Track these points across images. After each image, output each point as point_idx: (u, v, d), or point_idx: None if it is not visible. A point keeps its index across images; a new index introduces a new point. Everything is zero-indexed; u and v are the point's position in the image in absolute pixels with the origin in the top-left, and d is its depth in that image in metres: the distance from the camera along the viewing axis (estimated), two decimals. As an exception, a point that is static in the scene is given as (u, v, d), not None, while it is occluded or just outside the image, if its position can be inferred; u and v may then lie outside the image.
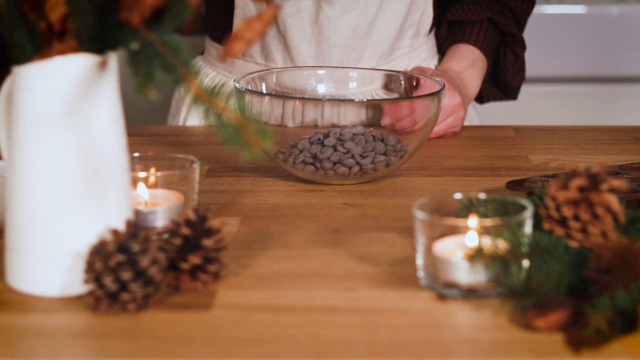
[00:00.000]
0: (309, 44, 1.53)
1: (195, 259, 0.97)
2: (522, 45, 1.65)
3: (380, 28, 1.54)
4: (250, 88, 1.34)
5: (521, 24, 1.67)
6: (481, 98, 1.71)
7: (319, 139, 1.28)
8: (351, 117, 1.30)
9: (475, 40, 1.60)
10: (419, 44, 1.60)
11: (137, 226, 0.94)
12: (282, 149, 1.28)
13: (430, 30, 1.61)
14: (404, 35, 1.57)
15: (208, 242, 0.97)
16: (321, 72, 1.42)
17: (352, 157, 1.27)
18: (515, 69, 1.67)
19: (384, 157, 1.28)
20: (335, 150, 1.27)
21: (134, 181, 1.10)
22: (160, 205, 1.11)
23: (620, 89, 2.62)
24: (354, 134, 1.28)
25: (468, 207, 1.01)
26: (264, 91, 1.37)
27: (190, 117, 1.64)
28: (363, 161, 1.27)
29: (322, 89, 1.42)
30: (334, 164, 1.27)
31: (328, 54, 1.53)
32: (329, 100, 1.36)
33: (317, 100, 1.33)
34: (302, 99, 1.34)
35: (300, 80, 1.42)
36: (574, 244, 0.97)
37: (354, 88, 1.45)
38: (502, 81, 1.68)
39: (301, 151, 1.28)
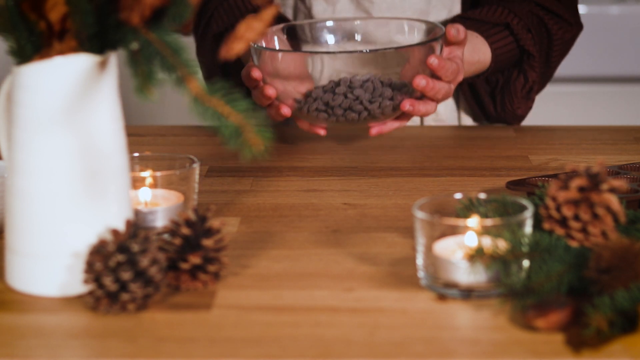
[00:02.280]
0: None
1: (195, 259, 0.97)
2: (535, 69, 1.55)
3: (414, 1, 1.55)
4: (263, 45, 1.38)
5: (552, 51, 1.56)
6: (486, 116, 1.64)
7: (332, 87, 1.33)
8: (360, 67, 1.33)
9: (490, 42, 1.51)
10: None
11: (137, 226, 0.94)
12: (297, 97, 1.34)
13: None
14: (429, 13, 1.57)
15: (208, 242, 0.97)
16: (330, 23, 1.47)
17: (361, 103, 1.32)
18: (523, 94, 1.58)
19: (390, 101, 1.33)
20: (346, 97, 1.33)
21: (134, 181, 1.11)
22: (160, 205, 1.11)
23: (620, 89, 2.62)
24: (364, 81, 1.33)
25: (468, 207, 1.01)
26: (277, 47, 1.41)
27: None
28: (371, 107, 1.32)
29: (332, 40, 1.48)
30: (345, 110, 1.32)
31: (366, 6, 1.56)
32: (339, 52, 1.38)
33: (329, 53, 1.35)
34: (313, 52, 1.38)
35: (314, 32, 1.47)
36: (574, 244, 0.97)
37: (362, 39, 1.48)
38: (508, 104, 1.59)
39: (315, 99, 1.33)
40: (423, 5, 1.55)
